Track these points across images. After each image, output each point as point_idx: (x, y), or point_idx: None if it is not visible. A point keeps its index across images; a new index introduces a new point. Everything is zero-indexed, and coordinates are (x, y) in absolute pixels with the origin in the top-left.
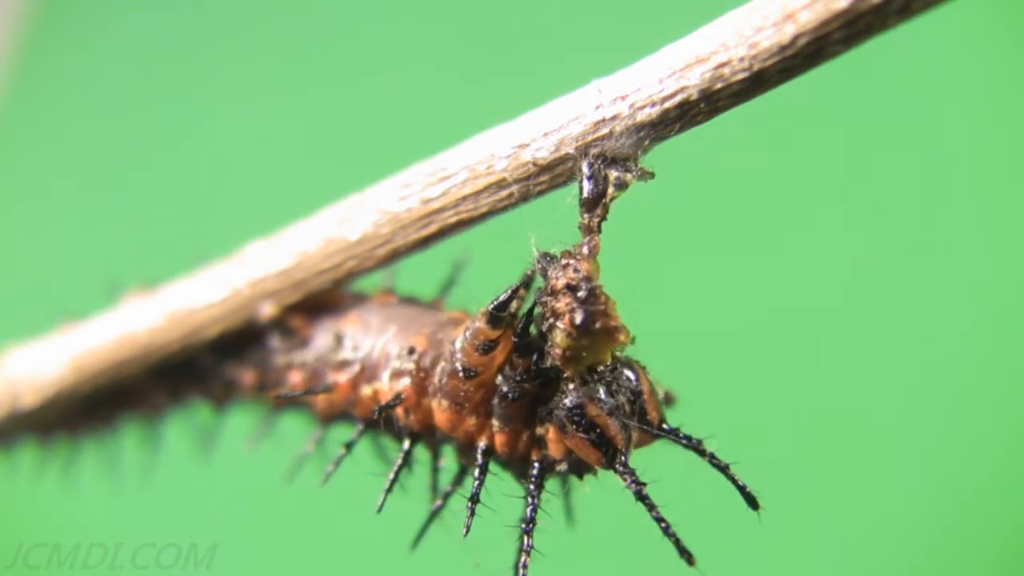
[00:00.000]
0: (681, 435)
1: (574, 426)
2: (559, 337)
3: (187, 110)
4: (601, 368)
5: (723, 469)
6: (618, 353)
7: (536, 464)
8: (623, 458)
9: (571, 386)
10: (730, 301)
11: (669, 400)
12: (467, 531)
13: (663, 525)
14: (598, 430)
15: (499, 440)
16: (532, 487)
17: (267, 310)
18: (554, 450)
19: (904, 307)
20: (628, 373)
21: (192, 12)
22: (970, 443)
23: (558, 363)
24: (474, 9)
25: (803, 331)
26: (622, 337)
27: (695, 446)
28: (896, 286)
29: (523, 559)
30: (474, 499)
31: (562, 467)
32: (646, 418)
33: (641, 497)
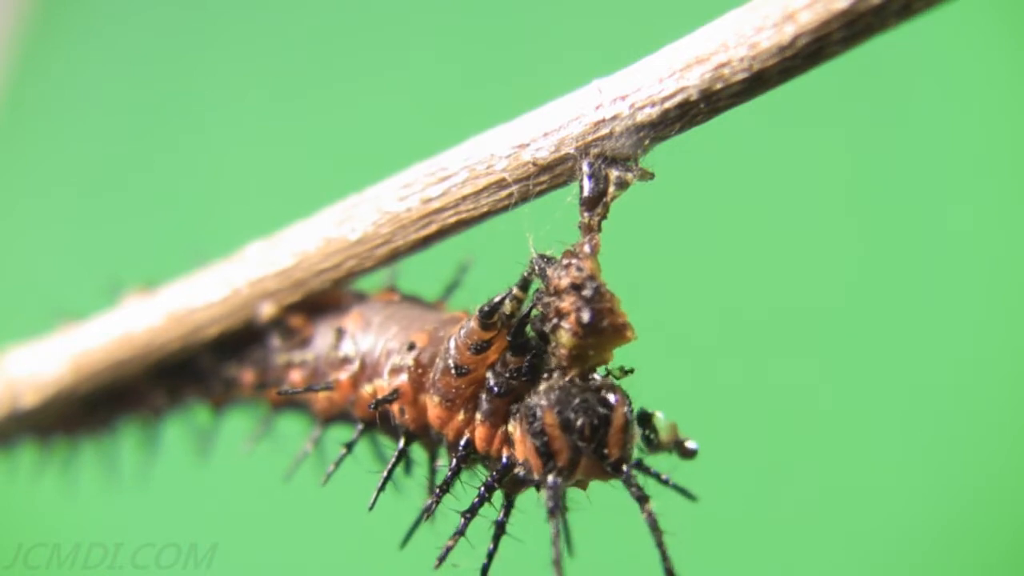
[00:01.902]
0: (632, 484)
1: (527, 425)
2: (565, 337)
3: (187, 110)
4: (588, 384)
5: (656, 532)
6: (614, 380)
7: (504, 459)
8: (557, 478)
9: (543, 387)
10: (730, 301)
11: (686, 451)
12: (427, 515)
13: (556, 550)
14: (546, 439)
15: (479, 433)
16: (489, 479)
17: (267, 310)
18: (518, 450)
19: (905, 307)
20: (610, 399)
21: (192, 12)
22: (971, 444)
23: (564, 363)
24: (474, 9)
25: (804, 331)
26: (629, 334)
27: (640, 500)
28: (897, 286)
29: (450, 542)
30: (443, 488)
31: (519, 470)
32: (602, 450)
33: (552, 517)
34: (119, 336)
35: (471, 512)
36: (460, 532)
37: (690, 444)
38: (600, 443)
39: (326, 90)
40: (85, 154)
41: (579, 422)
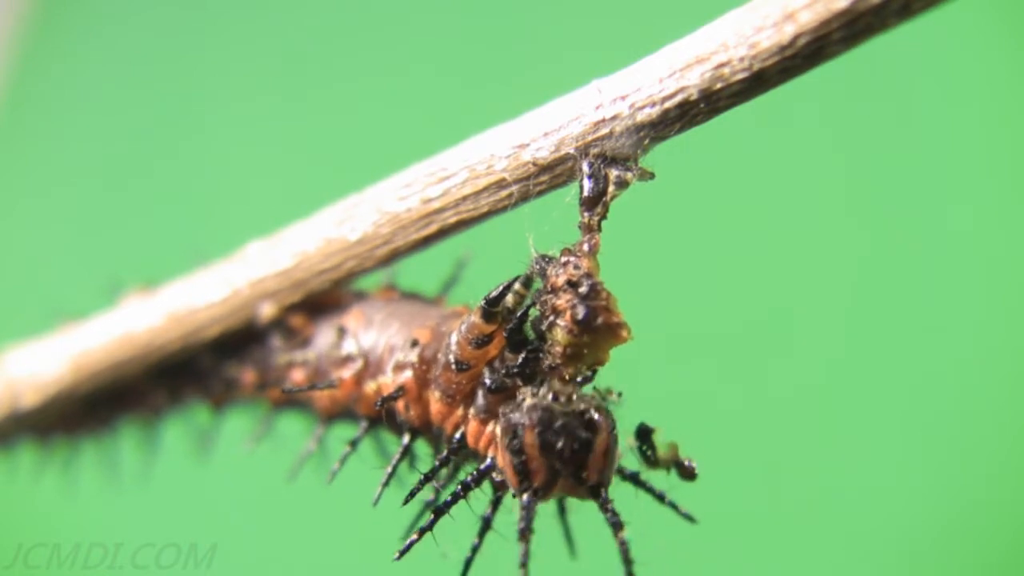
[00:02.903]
0: (608, 509)
1: (506, 441)
2: (560, 334)
3: (187, 110)
4: (573, 405)
5: (627, 562)
6: (604, 402)
7: (489, 460)
8: (531, 497)
9: (527, 403)
10: (731, 301)
11: (687, 471)
12: (409, 499)
13: (523, 567)
14: (524, 458)
15: (470, 428)
16: (468, 479)
17: (267, 310)
18: (499, 455)
19: (905, 307)
20: (596, 419)
21: (192, 13)
22: (971, 444)
23: (559, 362)
24: (474, 9)
25: (803, 331)
26: (624, 334)
27: (615, 525)
28: (897, 286)
29: (414, 536)
30: (428, 476)
31: (497, 475)
32: (581, 473)
33: (523, 538)
34: (119, 336)
35: (445, 507)
36: (427, 528)
37: (690, 464)
38: (579, 466)
39: (326, 90)
40: (85, 154)
41: (558, 445)
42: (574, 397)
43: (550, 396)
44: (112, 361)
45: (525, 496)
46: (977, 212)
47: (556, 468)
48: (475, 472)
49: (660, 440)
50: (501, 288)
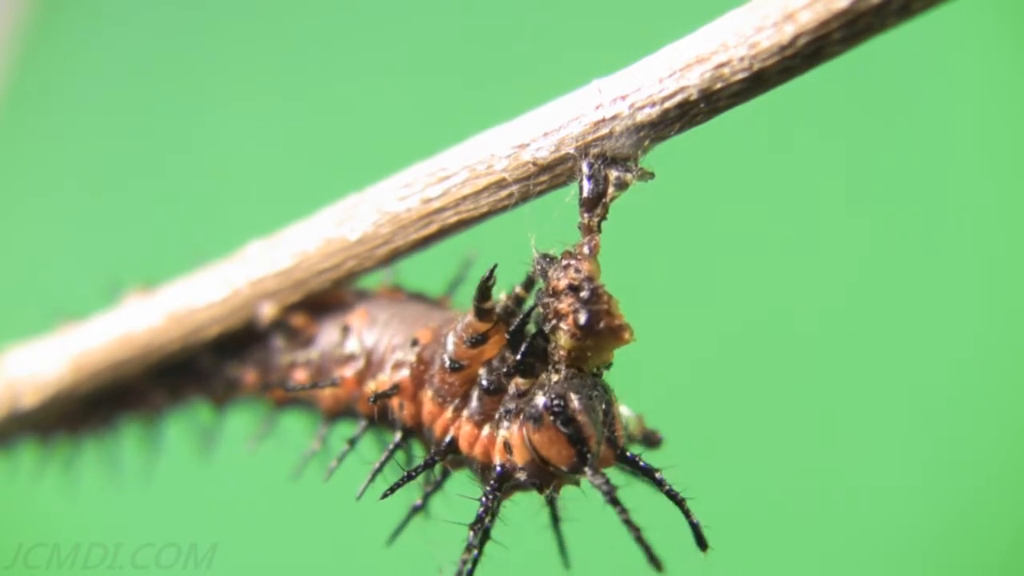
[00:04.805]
0: (640, 463)
1: (552, 417)
2: (563, 338)
3: (187, 110)
4: (583, 378)
5: (679, 502)
6: (597, 372)
7: (499, 467)
8: (591, 458)
9: (554, 379)
10: (730, 301)
11: (654, 440)
12: (388, 494)
13: (634, 529)
14: (576, 425)
15: (464, 432)
16: (488, 490)
17: (267, 311)
18: (518, 455)
19: (905, 307)
20: (602, 392)
21: (192, 12)
22: (971, 444)
23: (564, 364)
24: (474, 9)
25: (803, 331)
26: (627, 336)
27: (653, 476)
28: (897, 286)
29: (465, 556)
30: (410, 475)
31: (521, 475)
32: (614, 434)
33: (613, 500)
34: (119, 336)
35: (477, 523)
36: (478, 548)
37: (655, 434)
38: (611, 428)
39: (326, 90)
40: (85, 154)
41: (598, 407)
42: (611, 360)
43: (566, 374)
44: (112, 361)
45: (588, 468)
46: (977, 212)
47: (604, 430)
48: (493, 480)
49: (626, 416)
50: (486, 280)
